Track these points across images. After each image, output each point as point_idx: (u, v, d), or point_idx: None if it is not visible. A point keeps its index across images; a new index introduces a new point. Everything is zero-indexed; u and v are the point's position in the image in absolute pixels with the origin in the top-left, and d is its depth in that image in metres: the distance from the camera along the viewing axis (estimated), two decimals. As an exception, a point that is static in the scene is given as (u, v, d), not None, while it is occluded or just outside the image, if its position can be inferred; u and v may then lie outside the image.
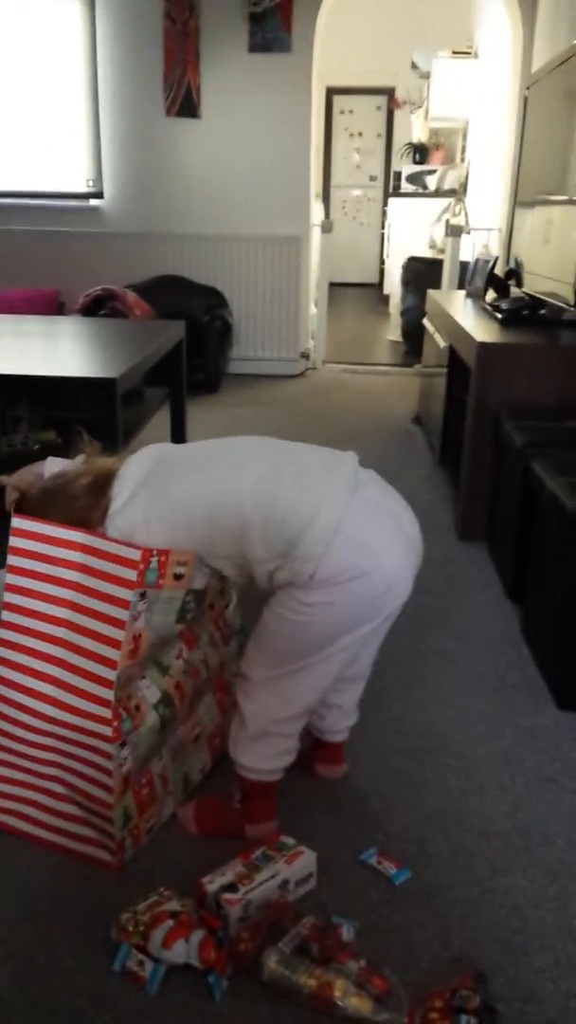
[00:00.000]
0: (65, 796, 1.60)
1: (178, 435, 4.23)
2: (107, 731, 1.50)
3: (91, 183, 5.68)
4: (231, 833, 1.68)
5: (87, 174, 5.68)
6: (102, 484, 1.61)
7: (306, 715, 1.66)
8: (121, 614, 1.48)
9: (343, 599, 1.49)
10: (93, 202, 5.73)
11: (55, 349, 3.66)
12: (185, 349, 4.14)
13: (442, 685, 2.24)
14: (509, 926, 1.51)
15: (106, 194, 5.70)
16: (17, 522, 1.55)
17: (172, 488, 1.56)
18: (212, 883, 1.48)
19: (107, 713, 1.50)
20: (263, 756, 1.64)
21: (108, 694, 1.50)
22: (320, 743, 1.86)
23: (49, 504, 1.60)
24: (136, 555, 1.45)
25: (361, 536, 1.48)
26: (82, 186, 5.70)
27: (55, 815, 1.63)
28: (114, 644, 1.49)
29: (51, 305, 5.52)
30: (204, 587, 1.61)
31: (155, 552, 1.48)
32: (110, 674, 1.50)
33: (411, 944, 1.47)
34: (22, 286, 5.64)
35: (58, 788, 1.60)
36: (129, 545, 1.47)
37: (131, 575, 1.46)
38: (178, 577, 1.54)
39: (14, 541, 1.56)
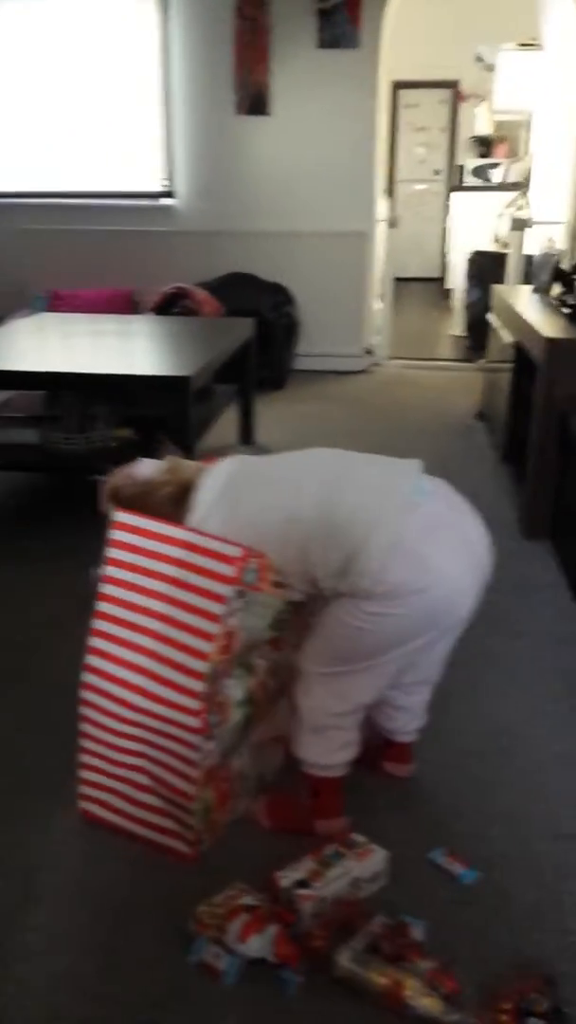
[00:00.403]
0: (147, 787, 1.66)
1: (246, 432, 4.27)
2: (195, 723, 1.55)
3: (164, 183, 5.75)
4: (301, 828, 1.72)
5: (160, 174, 5.75)
6: (183, 494, 1.67)
7: (362, 711, 1.69)
8: (217, 608, 1.52)
9: (402, 612, 1.52)
10: (165, 201, 5.80)
11: (131, 348, 3.74)
12: (254, 347, 4.18)
13: (508, 686, 2.25)
14: (578, 930, 1.53)
15: (178, 193, 5.76)
16: (120, 516, 1.61)
17: (242, 510, 1.61)
18: (286, 879, 1.52)
19: (196, 705, 1.55)
20: (324, 750, 1.68)
21: (198, 686, 1.54)
22: (389, 742, 1.89)
23: (134, 509, 1.66)
24: (237, 552, 1.50)
25: (420, 552, 1.50)
26: (155, 186, 5.78)
27: (137, 805, 1.68)
28: (207, 638, 1.53)
29: (126, 304, 5.61)
30: (302, 600, 1.65)
31: (256, 554, 1.52)
32: (202, 667, 1.54)
33: (480, 945, 1.49)
34: (98, 285, 5.74)
35: (141, 778, 1.66)
36: (230, 543, 1.51)
37: (230, 571, 1.50)
38: (277, 585, 1.58)
39: (116, 534, 1.62)
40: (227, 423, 4.13)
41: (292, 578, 1.59)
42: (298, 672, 1.68)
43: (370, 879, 1.57)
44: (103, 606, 1.64)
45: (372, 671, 1.62)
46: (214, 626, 1.53)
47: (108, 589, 1.63)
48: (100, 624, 1.64)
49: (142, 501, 1.68)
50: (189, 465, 1.75)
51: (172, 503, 1.67)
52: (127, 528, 1.61)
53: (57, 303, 5.52)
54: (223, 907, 1.48)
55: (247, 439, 4.26)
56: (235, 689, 1.66)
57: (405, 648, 1.59)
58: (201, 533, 1.56)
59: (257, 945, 1.43)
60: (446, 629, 1.63)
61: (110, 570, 1.63)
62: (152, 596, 1.59)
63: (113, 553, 1.62)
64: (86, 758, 1.72)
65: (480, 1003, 1.35)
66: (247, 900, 1.49)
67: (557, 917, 1.55)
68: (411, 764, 1.91)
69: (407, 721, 1.85)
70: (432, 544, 1.52)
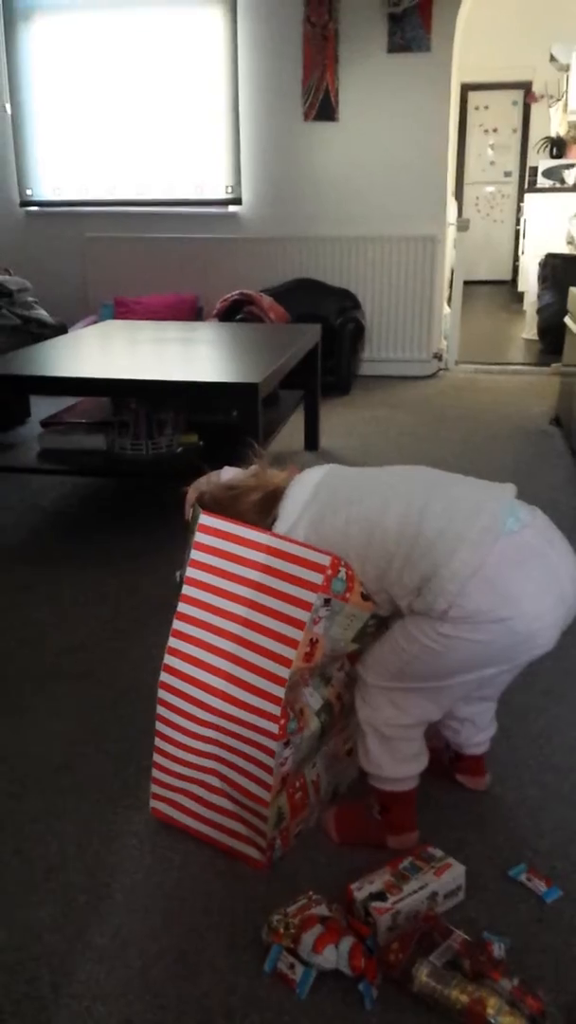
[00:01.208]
0: (220, 790, 1.64)
1: (311, 438, 4.26)
2: (274, 728, 1.53)
3: (230, 190, 5.78)
4: (371, 842, 1.68)
5: (227, 181, 5.78)
6: (270, 502, 1.64)
7: (426, 724, 1.64)
8: (302, 615, 1.49)
9: (476, 638, 1.46)
10: (232, 208, 5.83)
11: (197, 354, 3.75)
12: (320, 352, 4.16)
13: (589, 699, 2.19)
14: None
15: (244, 200, 5.79)
16: (205, 519, 1.60)
17: (327, 522, 1.58)
18: (361, 890, 1.49)
19: (277, 710, 1.53)
20: (390, 761, 1.62)
21: (280, 691, 1.52)
22: (460, 755, 1.84)
23: (219, 514, 1.64)
24: (325, 560, 1.47)
25: (502, 581, 1.44)
26: (222, 193, 5.81)
27: (208, 807, 1.67)
28: (291, 644, 1.51)
29: (191, 310, 5.65)
30: (388, 615, 1.61)
31: (345, 563, 1.49)
32: (284, 672, 1.52)
33: (564, 965, 1.44)
34: (164, 292, 5.79)
35: (214, 781, 1.64)
36: (319, 551, 1.49)
37: (317, 579, 1.48)
38: (366, 597, 1.55)
39: (200, 537, 1.60)
40: (293, 429, 4.12)
41: (373, 596, 1.56)
42: (359, 681, 1.63)
43: (448, 894, 1.53)
44: (184, 608, 1.63)
45: (433, 692, 1.57)
46: (298, 632, 1.50)
47: (190, 591, 1.62)
48: (180, 625, 1.63)
49: (228, 505, 1.66)
50: (276, 472, 1.72)
51: (258, 510, 1.64)
52: (211, 531, 1.60)
53: (121, 310, 5.59)
54: (297, 917, 1.45)
55: (312, 445, 4.25)
56: (313, 697, 1.63)
57: (475, 675, 1.54)
58: (287, 539, 1.54)
59: (332, 957, 1.40)
60: (521, 662, 1.57)
61: (192, 572, 1.62)
62: (235, 600, 1.57)
63: (196, 556, 1.61)
64: (159, 758, 1.71)
65: (564, 1023, 1.30)
66: (321, 910, 1.46)
67: None
68: (485, 776, 1.86)
69: (472, 733, 1.79)
70: (517, 575, 1.45)
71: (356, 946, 1.40)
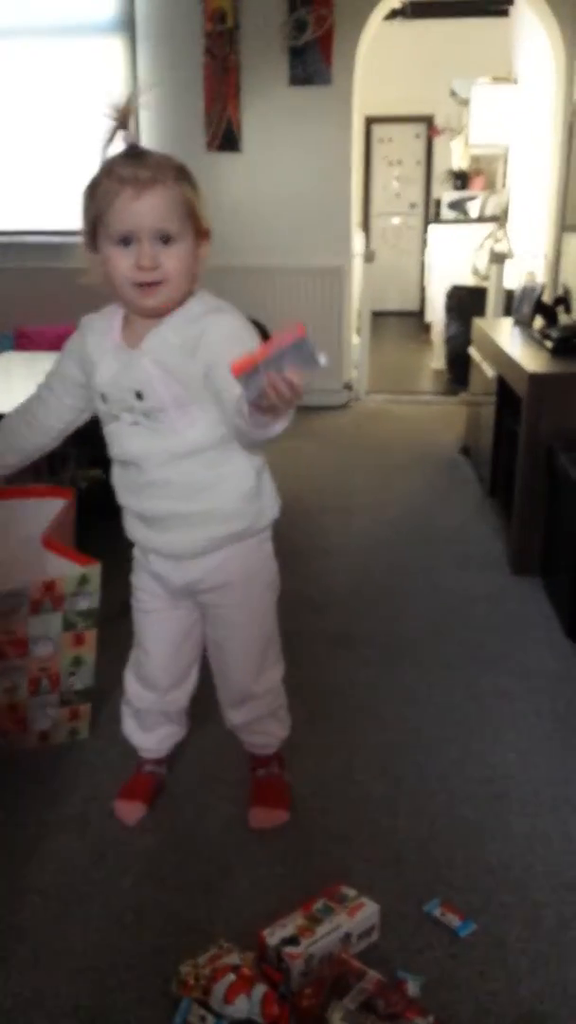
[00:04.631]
0: None
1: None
2: None
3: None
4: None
5: (132, 211, 5.75)
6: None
7: None
8: None
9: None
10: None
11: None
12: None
13: (501, 727, 2.19)
14: (581, 983, 1.46)
15: (150, 230, 5.75)
16: None
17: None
18: (273, 936, 1.45)
19: None
20: (286, 720, 1.89)
21: None
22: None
23: None
24: None
25: None
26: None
27: None
28: None
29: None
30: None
31: None
32: None
33: (479, 999, 1.42)
34: (68, 322, 5.69)
35: None
36: None
37: None
38: None
39: None
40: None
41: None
42: (267, 702, 1.79)
43: (362, 934, 1.50)
44: None
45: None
46: None
47: None
48: None
49: None
50: None
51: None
52: None
53: (23, 341, 5.46)
54: (208, 967, 1.40)
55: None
56: None
57: None
58: None
59: (244, 1006, 1.35)
60: None
61: None
62: None
63: None
64: None
65: (481, 1065, 1.28)
66: (232, 959, 1.42)
67: (558, 968, 1.48)
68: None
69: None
70: None
71: (269, 994, 1.36)
